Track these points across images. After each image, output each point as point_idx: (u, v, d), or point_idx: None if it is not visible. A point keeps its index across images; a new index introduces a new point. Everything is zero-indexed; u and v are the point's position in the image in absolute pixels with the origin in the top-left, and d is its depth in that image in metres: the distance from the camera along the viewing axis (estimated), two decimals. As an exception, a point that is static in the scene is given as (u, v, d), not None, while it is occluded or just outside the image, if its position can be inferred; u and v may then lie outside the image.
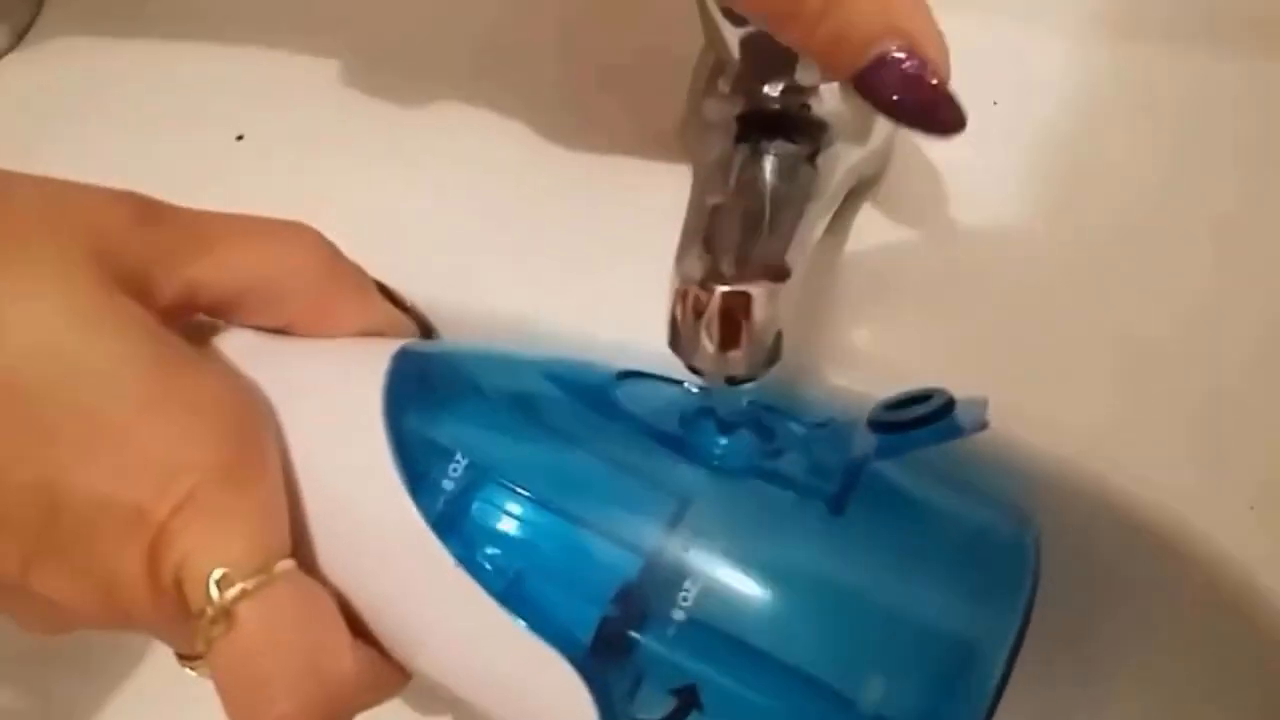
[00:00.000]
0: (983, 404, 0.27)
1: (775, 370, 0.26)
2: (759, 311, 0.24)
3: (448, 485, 0.25)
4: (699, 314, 0.24)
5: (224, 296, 0.27)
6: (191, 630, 0.23)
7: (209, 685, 0.24)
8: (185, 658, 0.27)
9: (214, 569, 0.23)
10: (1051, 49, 0.36)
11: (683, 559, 0.25)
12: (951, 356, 0.32)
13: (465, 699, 0.27)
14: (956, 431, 0.26)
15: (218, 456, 0.24)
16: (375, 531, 0.26)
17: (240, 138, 0.41)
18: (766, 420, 0.28)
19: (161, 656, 0.34)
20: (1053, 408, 0.31)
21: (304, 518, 0.26)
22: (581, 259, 0.35)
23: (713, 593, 0.25)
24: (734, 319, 0.24)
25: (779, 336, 0.25)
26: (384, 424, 0.25)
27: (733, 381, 0.25)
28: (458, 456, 0.26)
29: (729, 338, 0.24)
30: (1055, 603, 0.26)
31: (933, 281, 0.33)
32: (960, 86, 0.24)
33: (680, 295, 0.25)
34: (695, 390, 0.28)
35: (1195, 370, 0.31)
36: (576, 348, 0.32)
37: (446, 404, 0.27)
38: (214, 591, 0.23)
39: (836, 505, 0.26)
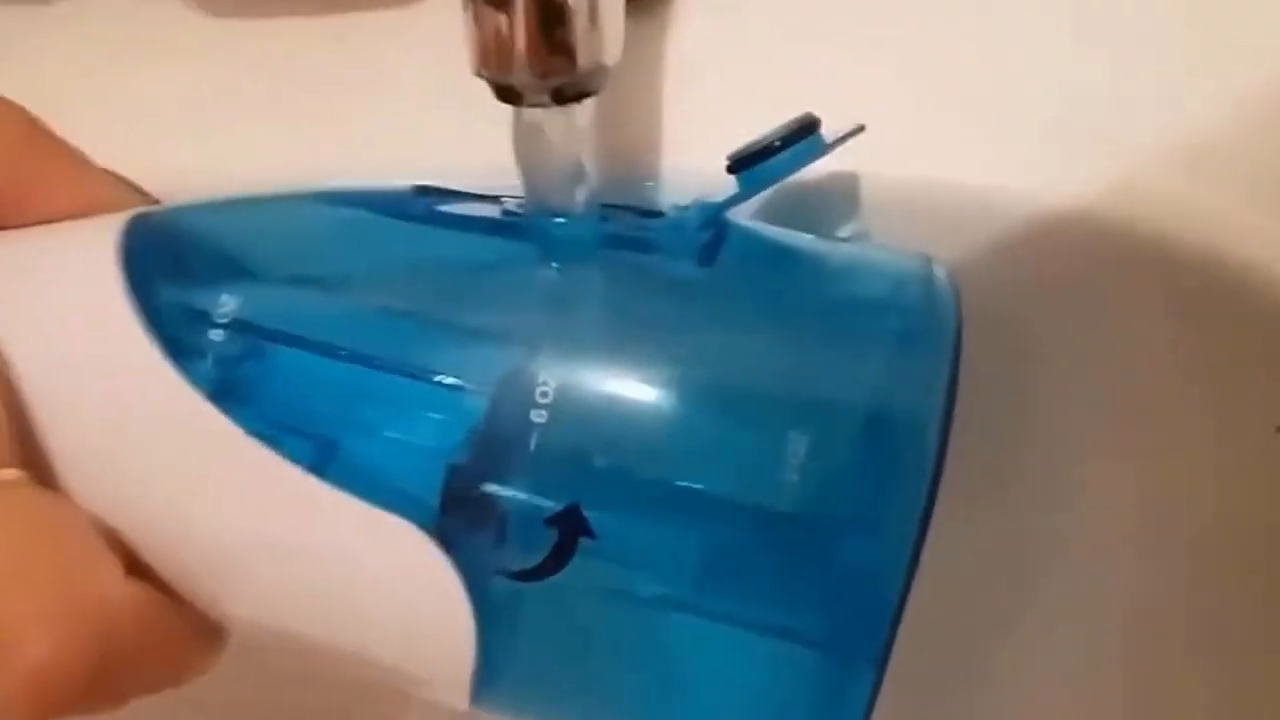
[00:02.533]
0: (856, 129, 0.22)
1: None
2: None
3: (218, 350, 0.20)
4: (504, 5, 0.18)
5: None
6: None
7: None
8: None
9: None
10: None
11: (534, 356, 0.19)
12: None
13: (298, 621, 0.20)
14: (821, 145, 0.21)
15: None
16: (141, 427, 0.19)
17: None
18: (605, 206, 0.23)
19: None
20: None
21: (42, 439, 0.19)
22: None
23: (576, 382, 0.19)
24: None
25: (613, 31, 0.19)
26: (126, 295, 0.20)
27: (560, 98, 0.20)
28: (223, 314, 0.20)
29: (550, 25, 0.19)
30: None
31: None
32: None
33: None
34: (510, 202, 0.22)
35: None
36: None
37: (200, 259, 0.22)
38: None
39: (705, 257, 0.21)
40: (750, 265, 0.22)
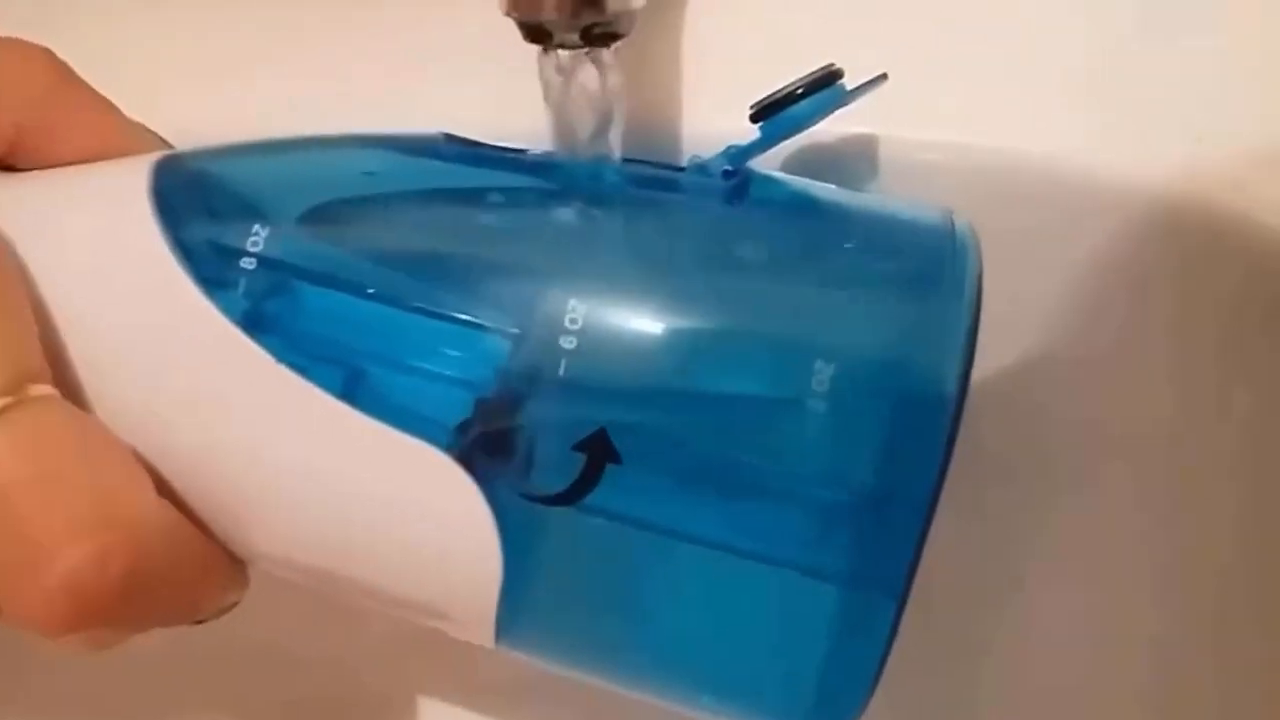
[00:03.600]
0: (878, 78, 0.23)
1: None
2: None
3: (249, 281, 0.20)
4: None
5: None
6: None
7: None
8: None
9: None
10: None
11: (564, 285, 0.19)
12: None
13: (323, 550, 0.20)
14: (843, 93, 0.22)
15: None
16: (171, 354, 0.20)
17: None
18: (628, 161, 0.23)
19: None
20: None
21: (73, 365, 0.20)
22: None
23: (605, 310, 0.19)
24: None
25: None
26: (159, 230, 0.20)
27: (590, 38, 0.20)
28: (253, 245, 0.20)
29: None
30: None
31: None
32: None
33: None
34: (537, 152, 0.23)
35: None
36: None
37: (230, 195, 0.22)
38: None
39: (730, 198, 0.22)
40: (774, 207, 0.22)
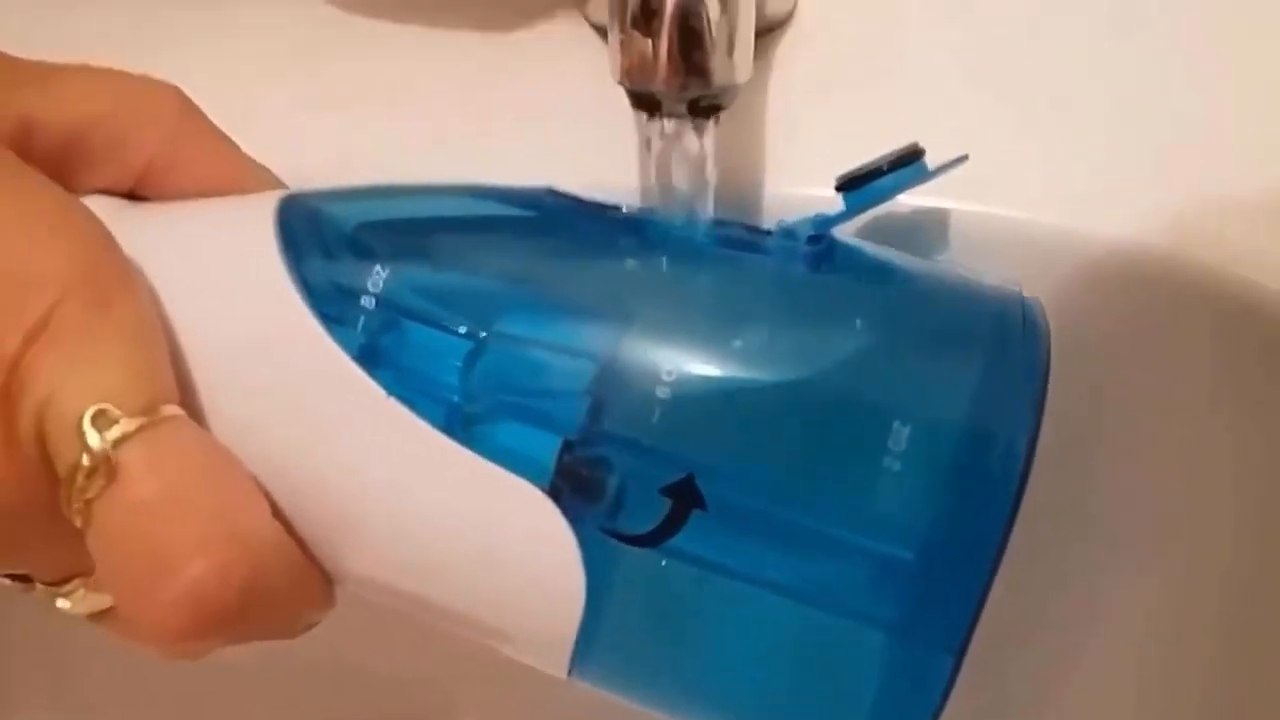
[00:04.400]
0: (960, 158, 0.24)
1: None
2: (716, 8, 0.20)
3: (365, 318, 0.21)
4: (650, 17, 0.20)
5: (64, 137, 0.22)
6: (63, 502, 0.18)
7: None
8: (51, 584, 0.22)
9: (87, 406, 0.18)
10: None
11: (656, 337, 0.21)
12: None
13: (414, 575, 0.22)
14: (925, 171, 0.23)
15: (75, 267, 0.19)
16: (289, 382, 0.21)
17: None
18: (719, 220, 0.25)
19: None
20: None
21: (191, 387, 0.21)
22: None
23: (699, 363, 0.21)
24: (695, 13, 0.20)
25: (746, 45, 0.21)
26: (284, 267, 0.21)
27: (695, 110, 0.22)
28: (374, 285, 0.22)
29: (690, 40, 0.21)
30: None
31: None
32: None
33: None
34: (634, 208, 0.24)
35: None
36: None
37: (350, 236, 0.23)
38: (90, 434, 0.18)
39: (815, 264, 0.23)
40: (856, 273, 0.23)
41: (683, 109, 0.21)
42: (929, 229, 0.28)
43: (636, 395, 0.20)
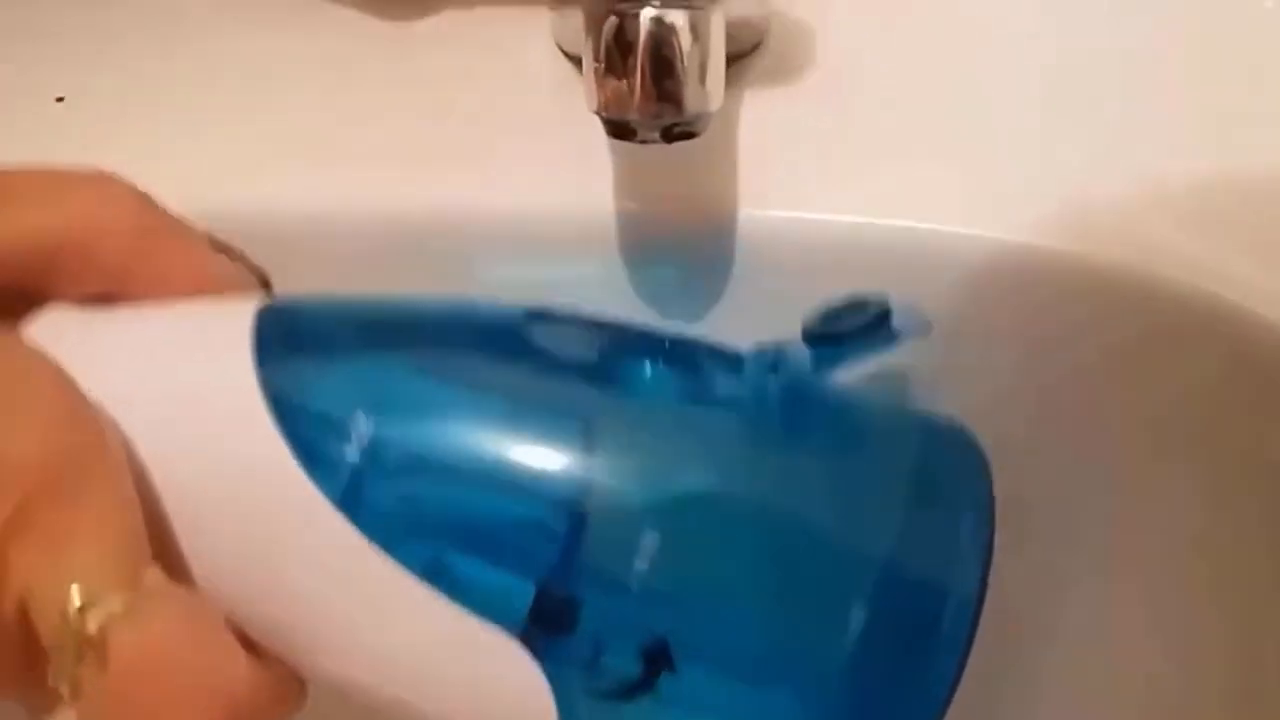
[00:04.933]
0: (923, 323, 0.24)
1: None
2: (688, 38, 0.21)
3: (348, 459, 0.21)
4: (625, 49, 0.21)
5: (25, 263, 0.22)
6: (51, 676, 0.18)
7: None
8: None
9: (70, 594, 0.18)
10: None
11: (630, 502, 0.21)
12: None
13: (390, 704, 0.22)
14: (893, 339, 0.24)
15: (43, 450, 0.19)
16: (269, 523, 0.21)
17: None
18: (690, 348, 0.25)
19: None
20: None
21: (165, 521, 0.21)
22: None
23: (672, 530, 0.21)
24: (667, 44, 0.21)
25: (718, 73, 0.22)
26: (262, 398, 0.21)
27: (669, 136, 0.22)
28: (355, 425, 0.21)
29: (663, 70, 0.21)
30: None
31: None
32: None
33: (595, 30, 0.21)
34: (609, 323, 0.25)
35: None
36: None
37: (332, 366, 0.23)
38: (75, 620, 0.18)
39: (785, 417, 0.23)
40: (822, 422, 0.24)
41: (656, 135, 0.22)
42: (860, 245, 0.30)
43: (610, 560, 0.21)
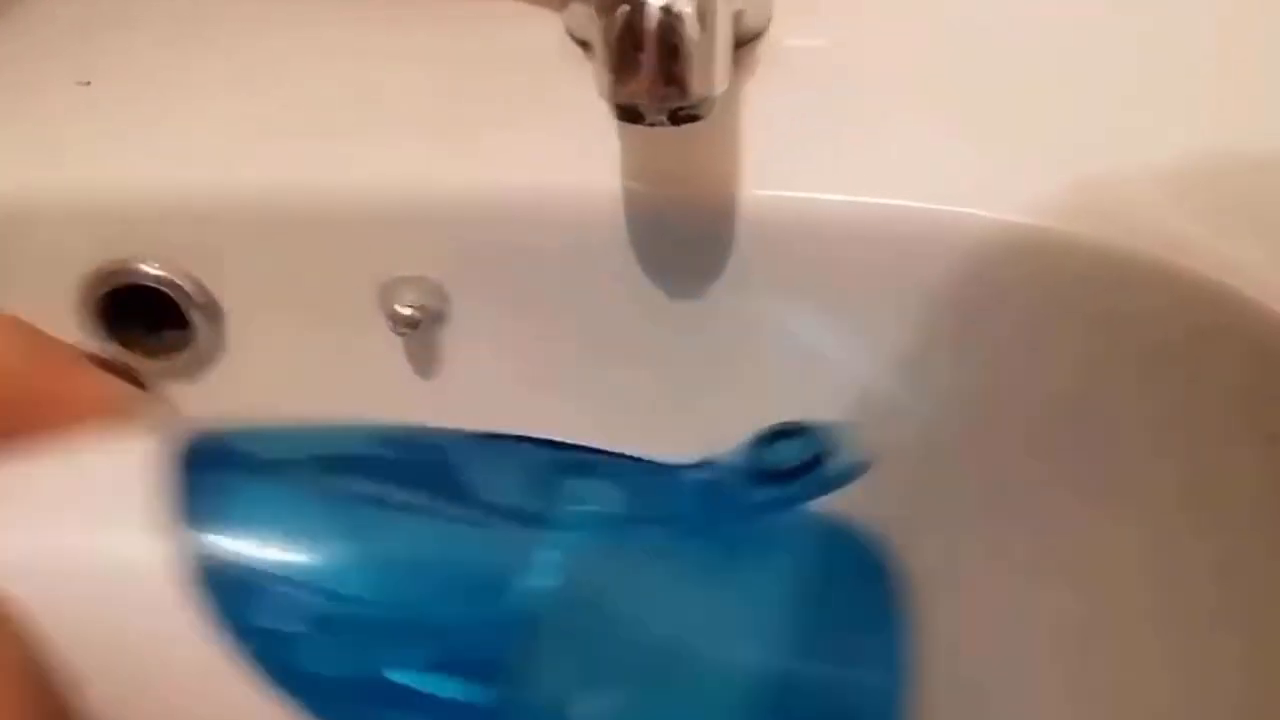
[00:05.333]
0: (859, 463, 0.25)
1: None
2: (695, 25, 0.22)
3: (279, 626, 0.20)
4: (634, 37, 0.22)
5: None
6: None
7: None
8: None
9: None
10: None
11: (578, 666, 0.22)
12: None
13: None
14: (831, 484, 0.24)
15: None
16: (184, 697, 0.20)
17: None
18: (631, 472, 0.25)
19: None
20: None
21: (70, 696, 0.19)
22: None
23: (611, 675, 0.22)
24: (676, 31, 0.22)
25: (724, 57, 0.23)
26: (179, 553, 0.19)
27: (675, 119, 0.23)
28: (284, 589, 0.20)
29: (671, 56, 0.22)
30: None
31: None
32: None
33: (606, 18, 0.22)
34: (548, 446, 0.24)
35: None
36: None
37: (254, 523, 0.21)
38: None
39: (731, 538, 0.24)
40: (756, 569, 0.24)
41: (664, 119, 0.23)
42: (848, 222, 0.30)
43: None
